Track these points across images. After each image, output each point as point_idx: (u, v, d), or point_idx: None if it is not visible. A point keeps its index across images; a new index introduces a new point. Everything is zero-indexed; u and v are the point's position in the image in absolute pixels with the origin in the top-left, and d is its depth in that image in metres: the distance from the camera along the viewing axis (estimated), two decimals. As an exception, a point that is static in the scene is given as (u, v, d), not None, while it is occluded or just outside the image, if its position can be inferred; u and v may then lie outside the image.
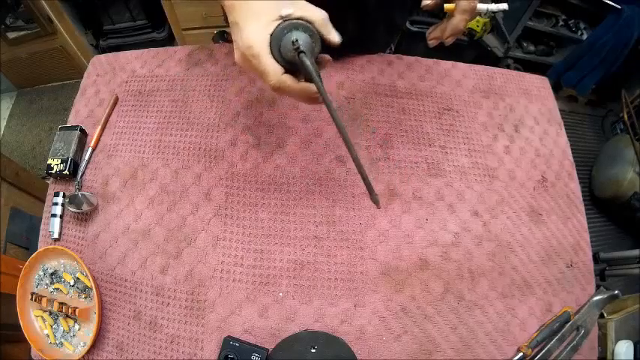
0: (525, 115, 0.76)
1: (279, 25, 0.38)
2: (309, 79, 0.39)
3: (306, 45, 0.38)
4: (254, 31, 0.38)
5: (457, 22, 0.44)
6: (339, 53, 0.73)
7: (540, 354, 0.58)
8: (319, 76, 0.37)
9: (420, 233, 0.62)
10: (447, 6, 0.46)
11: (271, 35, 0.38)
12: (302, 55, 0.37)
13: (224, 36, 1.50)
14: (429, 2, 0.45)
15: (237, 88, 0.70)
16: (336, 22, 0.68)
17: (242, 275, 0.58)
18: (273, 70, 0.39)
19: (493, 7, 0.46)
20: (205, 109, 0.69)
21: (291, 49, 0.37)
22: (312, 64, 0.37)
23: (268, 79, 0.39)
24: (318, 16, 0.39)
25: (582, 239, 0.68)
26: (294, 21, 0.38)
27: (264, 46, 0.38)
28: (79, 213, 0.63)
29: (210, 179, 0.64)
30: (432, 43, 0.50)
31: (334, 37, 0.40)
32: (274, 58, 0.39)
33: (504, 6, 0.47)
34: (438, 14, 1.59)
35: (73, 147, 0.66)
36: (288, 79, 0.39)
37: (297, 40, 0.37)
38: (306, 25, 0.38)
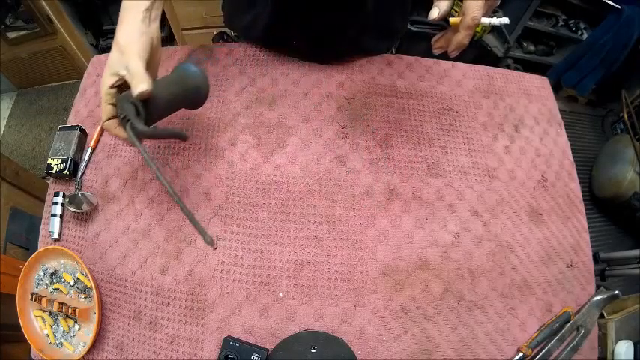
0: (525, 115, 0.76)
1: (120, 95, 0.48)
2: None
3: (131, 112, 0.46)
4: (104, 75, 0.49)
5: (462, 37, 0.45)
6: (339, 55, 0.73)
7: (540, 354, 0.58)
8: (140, 140, 0.47)
9: (420, 233, 0.62)
10: (451, 20, 0.46)
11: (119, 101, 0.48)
12: (127, 124, 0.46)
13: (224, 37, 1.50)
14: (435, 17, 0.46)
15: (237, 88, 0.70)
16: (336, 27, 0.68)
17: (242, 275, 0.58)
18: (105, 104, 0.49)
19: (495, 20, 0.48)
20: (205, 109, 0.69)
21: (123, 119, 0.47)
22: (133, 131, 0.46)
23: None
24: (130, 78, 0.47)
25: (582, 239, 0.68)
26: (125, 93, 0.47)
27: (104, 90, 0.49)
28: (79, 213, 0.63)
29: (210, 179, 0.64)
30: (436, 51, 0.51)
31: (141, 88, 0.46)
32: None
33: (505, 20, 0.49)
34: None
35: (73, 147, 0.66)
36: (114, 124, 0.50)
37: (123, 111, 0.47)
38: (128, 96, 0.47)
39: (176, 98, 0.53)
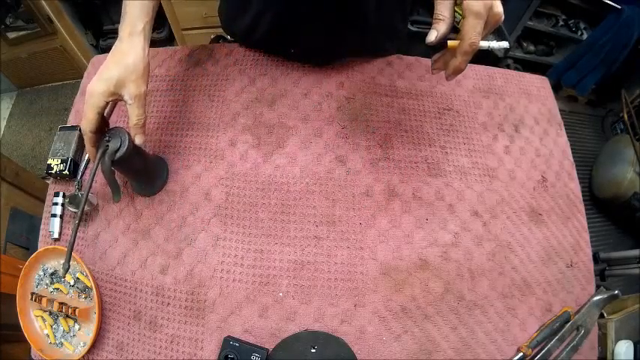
0: (525, 115, 0.76)
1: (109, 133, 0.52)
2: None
3: (115, 145, 0.51)
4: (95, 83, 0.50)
5: (459, 63, 0.44)
6: (340, 57, 0.73)
7: (540, 354, 0.58)
8: (96, 170, 0.50)
9: (420, 233, 0.62)
10: (450, 43, 0.45)
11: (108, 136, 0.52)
12: (101, 152, 0.50)
13: (220, 41, 1.50)
14: (432, 40, 0.44)
15: (237, 88, 0.70)
16: (335, 37, 0.68)
17: (242, 275, 0.58)
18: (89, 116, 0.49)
19: (494, 44, 0.46)
20: (205, 109, 0.69)
21: (103, 145, 0.51)
22: (103, 161, 0.50)
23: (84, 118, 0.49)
24: (130, 123, 0.51)
25: (582, 239, 0.68)
26: (118, 130, 0.52)
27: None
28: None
29: (210, 179, 0.64)
30: (435, 72, 0.51)
31: (140, 141, 0.53)
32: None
33: (505, 44, 0.48)
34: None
35: (73, 147, 0.66)
36: (95, 140, 0.51)
37: (107, 140, 0.51)
38: (122, 133, 0.52)
39: (144, 170, 0.61)
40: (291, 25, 0.64)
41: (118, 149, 0.51)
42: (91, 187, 0.50)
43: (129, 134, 0.52)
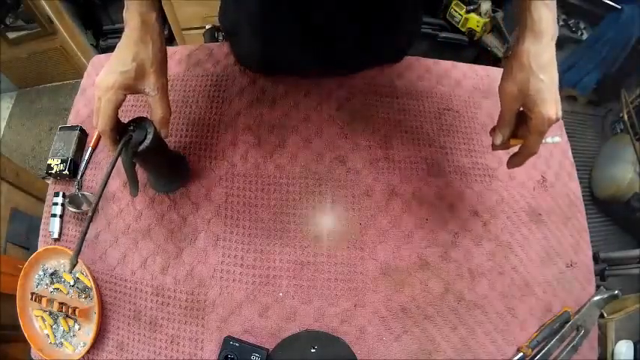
0: (525, 115, 0.76)
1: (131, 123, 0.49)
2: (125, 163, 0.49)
3: (136, 138, 0.48)
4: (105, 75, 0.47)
5: (519, 161, 0.49)
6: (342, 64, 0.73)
7: (540, 354, 0.58)
8: (114, 165, 0.46)
9: (420, 233, 0.62)
10: (512, 141, 0.49)
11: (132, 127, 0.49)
12: (123, 142, 0.47)
13: (214, 34, 1.47)
14: (498, 144, 0.49)
15: (238, 88, 0.70)
16: (341, 47, 0.67)
17: (242, 275, 0.58)
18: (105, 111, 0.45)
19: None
20: (205, 109, 0.69)
21: (126, 135, 0.48)
22: (125, 154, 0.47)
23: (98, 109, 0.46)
24: (156, 117, 0.49)
25: (582, 239, 0.68)
26: (143, 120, 0.50)
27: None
28: (79, 213, 0.63)
29: (211, 179, 0.64)
30: (494, 151, 0.53)
31: (164, 135, 0.51)
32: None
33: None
34: (437, 14, 1.59)
35: (73, 147, 0.66)
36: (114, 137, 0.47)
37: (132, 130, 0.48)
38: (147, 127, 0.49)
39: (166, 165, 0.60)
40: (282, 53, 0.65)
41: (142, 141, 0.48)
42: (108, 178, 0.45)
43: (154, 126, 0.49)
